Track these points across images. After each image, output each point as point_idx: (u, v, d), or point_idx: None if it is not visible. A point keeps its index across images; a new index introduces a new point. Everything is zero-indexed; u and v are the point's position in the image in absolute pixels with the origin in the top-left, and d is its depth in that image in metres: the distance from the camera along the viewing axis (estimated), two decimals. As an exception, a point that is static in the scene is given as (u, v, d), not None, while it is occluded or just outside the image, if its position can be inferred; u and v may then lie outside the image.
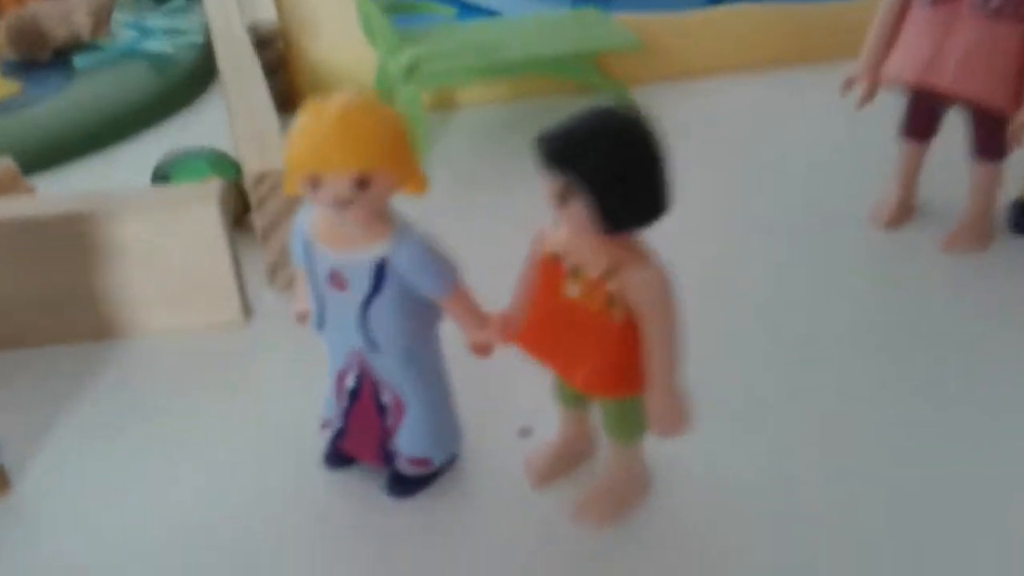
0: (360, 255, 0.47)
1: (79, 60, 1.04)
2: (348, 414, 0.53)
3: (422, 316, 0.49)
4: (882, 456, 0.56)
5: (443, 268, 0.47)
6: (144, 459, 0.57)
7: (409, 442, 0.52)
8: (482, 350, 0.50)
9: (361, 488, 0.54)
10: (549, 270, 0.47)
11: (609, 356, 0.46)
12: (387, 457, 0.53)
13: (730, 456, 0.56)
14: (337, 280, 0.48)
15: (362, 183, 0.44)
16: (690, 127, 0.93)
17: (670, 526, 0.52)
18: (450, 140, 0.92)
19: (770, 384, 0.62)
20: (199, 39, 1.08)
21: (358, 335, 0.49)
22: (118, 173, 0.89)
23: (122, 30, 1.10)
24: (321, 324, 0.50)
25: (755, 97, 1.02)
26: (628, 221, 0.43)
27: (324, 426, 0.55)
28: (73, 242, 0.64)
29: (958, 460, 0.55)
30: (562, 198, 0.42)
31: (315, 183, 0.44)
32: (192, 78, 1.06)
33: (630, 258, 0.44)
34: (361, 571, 0.50)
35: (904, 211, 0.78)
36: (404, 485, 0.53)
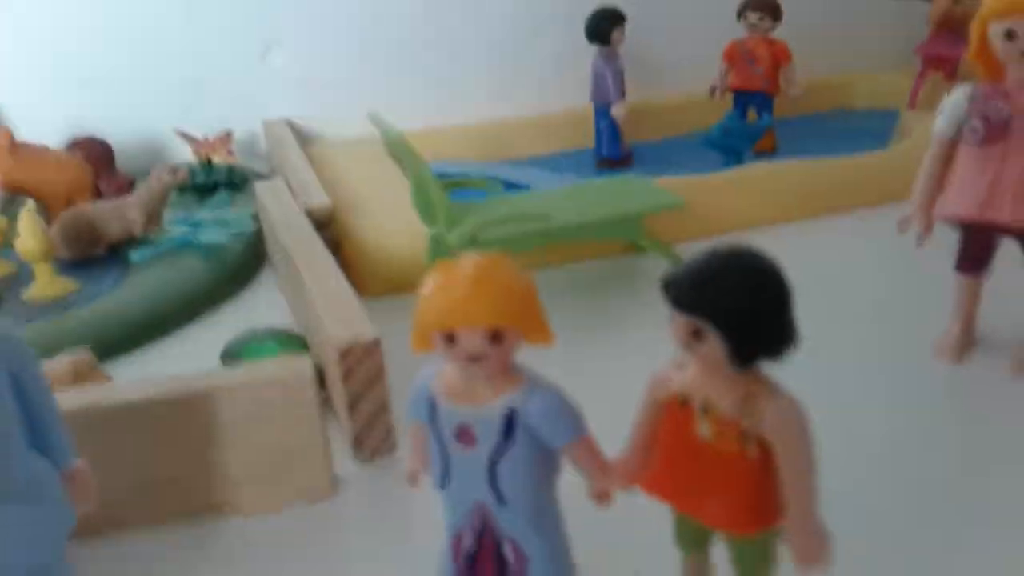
0: (489, 408, 0.47)
1: (135, 255, 1.07)
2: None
3: (548, 467, 0.49)
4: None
5: (573, 415, 0.48)
6: None
7: (534, 600, 0.51)
8: (604, 497, 0.50)
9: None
10: (677, 412, 0.47)
11: (746, 493, 0.46)
12: None
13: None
14: (466, 435, 0.48)
15: (496, 337, 0.45)
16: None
17: None
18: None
19: (851, 520, 0.61)
20: (249, 228, 1.12)
21: (485, 490, 0.48)
22: (184, 357, 0.89)
23: (173, 225, 1.14)
24: (445, 483, 0.50)
25: (797, 246, 1.05)
26: (761, 354, 0.44)
27: None
28: (168, 426, 0.64)
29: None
30: (695, 337, 0.43)
31: (450, 338, 0.45)
32: (243, 266, 1.09)
33: (764, 391, 0.45)
34: None
35: (967, 343, 0.79)
36: (529, 649, 0.52)
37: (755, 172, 1.17)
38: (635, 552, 0.58)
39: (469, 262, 0.46)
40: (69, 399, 0.63)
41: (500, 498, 0.49)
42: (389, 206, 1.09)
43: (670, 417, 0.48)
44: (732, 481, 0.46)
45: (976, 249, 0.77)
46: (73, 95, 1.36)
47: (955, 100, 0.73)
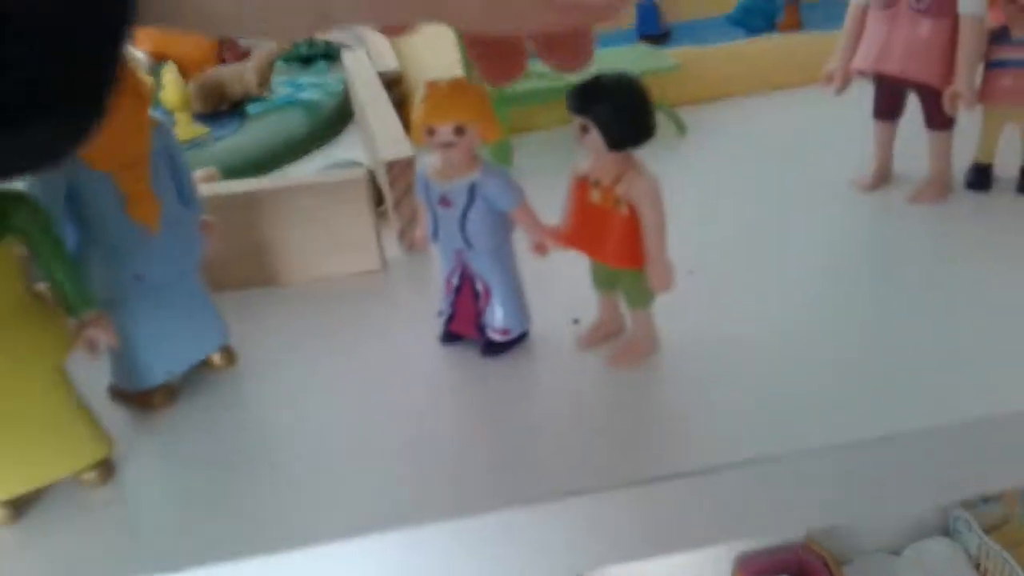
0: (459, 182, 0.73)
1: (251, 108, 1.36)
2: (454, 304, 0.79)
3: (501, 225, 0.75)
4: (849, 332, 0.78)
5: (515, 189, 0.73)
6: (319, 361, 0.83)
7: (495, 317, 0.77)
8: (541, 249, 0.76)
9: (465, 354, 0.80)
10: (580, 186, 0.72)
11: (620, 239, 0.70)
12: (481, 330, 0.78)
13: (716, 333, 0.79)
14: (445, 201, 0.74)
15: (459, 130, 0.70)
16: (716, 134, 1.17)
17: (675, 368, 0.75)
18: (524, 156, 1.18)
19: (764, 289, 0.85)
20: (340, 88, 1.39)
21: (459, 238, 0.75)
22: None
23: (280, 87, 1.42)
24: (435, 235, 0.76)
25: (768, 111, 1.26)
26: (625, 142, 0.68)
27: (440, 314, 0.81)
28: (263, 210, 0.92)
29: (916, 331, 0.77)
30: (583, 129, 0.68)
31: (431, 132, 0.70)
32: (334, 119, 1.36)
33: (633, 170, 0.69)
34: (466, 403, 0.74)
35: (882, 178, 1.00)
36: (493, 348, 0.79)
37: (749, 45, 1.36)
38: (571, 303, 0.83)
39: (445, 81, 0.70)
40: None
41: (468, 243, 0.75)
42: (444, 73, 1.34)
43: (577, 190, 0.72)
44: (612, 231, 0.70)
45: (884, 98, 0.96)
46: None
47: None
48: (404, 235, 0.98)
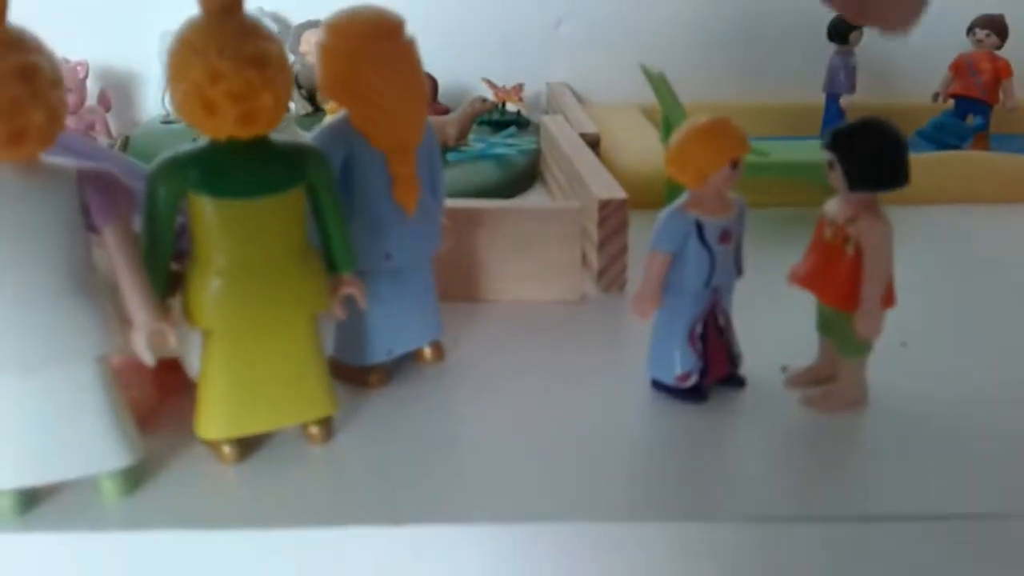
0: (734, 212, 0.74)
1: (449, 156, 1.43)
2: (705, 352, 0.76)
3: None
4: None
5: None
6: (518, 372, 0.84)
7: (736, 343, 0.78)
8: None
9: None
10: (820, 223, 0.74)
11: (845, 281, 0.71)
12: (733, 361, 0.78)
13: (921, 398, 0.78)
14: (727, 236, 0.73)
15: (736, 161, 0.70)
16: (907, 234, 1.18)
17: (873, 425, 0.75)
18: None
19: (974, 370, 0.84)
20: (531, 148, 1.46)
21: (732, 271, 0.75)
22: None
23: (475, 142, 1.50)
24: (710, 280, 0.73)
25: (966, 220, 1.26)
26: (864, 182, 0.69)
27: (686, 377, 0.76)
28: (479, 229, 0.97)
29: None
30: (831, 166, 0.70)
31: (735, 164, 0.70)
32: (522, 175, 1.42)
33: (867, 213, 0.70)
34: (657, 436, 0.75)
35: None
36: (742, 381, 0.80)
37: (951, 156, 1.36)
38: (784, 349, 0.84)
39: (722, 117, 0.70)
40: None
41: (740, 271, 0.77)
42: (640, 141, 1.39)
43: (818, 227, 0.74)
44: (837, 271, 0.71)
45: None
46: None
47: None
48: (604, 275, 1.01)
